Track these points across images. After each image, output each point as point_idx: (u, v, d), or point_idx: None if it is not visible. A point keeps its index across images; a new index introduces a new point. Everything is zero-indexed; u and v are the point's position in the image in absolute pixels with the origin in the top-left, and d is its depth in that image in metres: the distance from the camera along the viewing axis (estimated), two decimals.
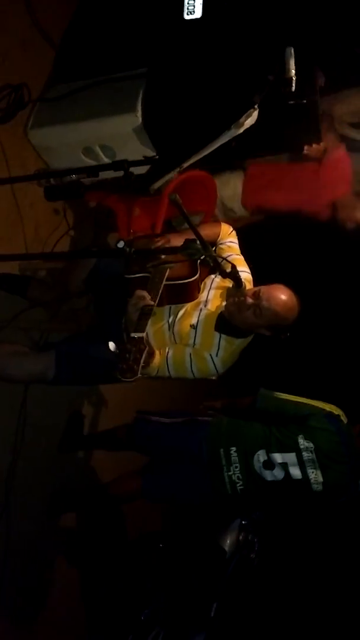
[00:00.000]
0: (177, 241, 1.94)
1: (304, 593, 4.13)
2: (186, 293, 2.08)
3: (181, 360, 2.00)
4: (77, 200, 2.96)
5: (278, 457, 2.28)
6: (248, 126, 1.92)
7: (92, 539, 3.30)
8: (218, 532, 3.09)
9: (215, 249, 2.17)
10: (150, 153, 2.70)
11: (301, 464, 2.25)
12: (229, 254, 2.16)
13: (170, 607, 3.00)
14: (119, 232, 2.62)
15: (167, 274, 1.98)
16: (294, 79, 1.87)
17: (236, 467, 2.32)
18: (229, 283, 2.07)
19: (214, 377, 2.07)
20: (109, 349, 1.56)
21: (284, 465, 2.27)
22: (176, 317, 2.09)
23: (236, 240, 2.25)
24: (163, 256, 1.94)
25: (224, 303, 2.06)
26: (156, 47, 2.69)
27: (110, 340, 1.57)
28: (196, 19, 2.47)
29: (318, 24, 2.47)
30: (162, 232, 2.43)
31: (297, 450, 2.26)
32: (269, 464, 2.28)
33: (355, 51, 2.55)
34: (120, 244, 1.66)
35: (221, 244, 2.22)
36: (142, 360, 1.55)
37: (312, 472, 2.24)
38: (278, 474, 2.27)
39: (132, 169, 2.15)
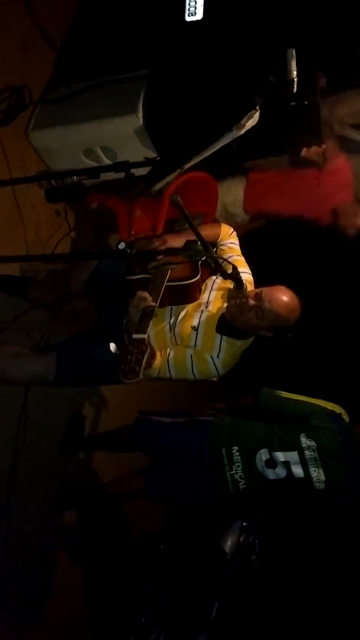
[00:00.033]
0: (176, 241, 1.94)
1: (305, 595, 4.12)
2: (187, 294, 2.08)
3: (182, 361, 2.00)
4: (78, 201, 2.96)
5: (280, 456, 2.28)
6: (249, 127, 1.92)
7: (93, 540, 3.30)
8: (219, 534, 3.10)
9: (216, 250, 2.17)
10: (152, 154, 2.70)
11: (303, 463, 2.25)
12: (230, 255, 2.16)
13: (171, 609, 3.00)
14: (120, 234, 2.61)
15: (168, 275, 1.98)
16: (295, 80, 1.87)
17: (238, 467, 2.33)
18: (230, 284, 2.07)
19: (215, 379, 2.07)
20: (110, 350, 1.56)
21: (286, 464, 2.28)
22: (177, 318, 2.09)
23: (237, 241, 2.25)
24: (162, 257, 1.94)
25: (225, 304, 2.06)
26: (157, 49, 2.69)
27: (111, 342, 1.57)
28: (197, 21, 2.47)
29: (319, 25, 2.47)
30: (163, 233, 2.43)
31: (299, 448, 2.26)
32: (271, 463, 2.29)
33: (356, 52, 2.55)
34: (122, 246, 1.66)
35: (222, 245, 2.21)
36: (144, 362, 1.55)
37: (315, 471, 2.25)
38: (280, 472, 2.28)
39: (133, 171, 2.15)
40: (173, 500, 2.80)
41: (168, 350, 2.03)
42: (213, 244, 2.16)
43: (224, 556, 3.04)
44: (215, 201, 2.76)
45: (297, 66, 1.85)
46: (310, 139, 2.56)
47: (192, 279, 2.02)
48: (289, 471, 2.27)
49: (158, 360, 1.94)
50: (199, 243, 1.60)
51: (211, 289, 2.16)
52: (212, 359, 1.99)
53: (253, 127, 1.92)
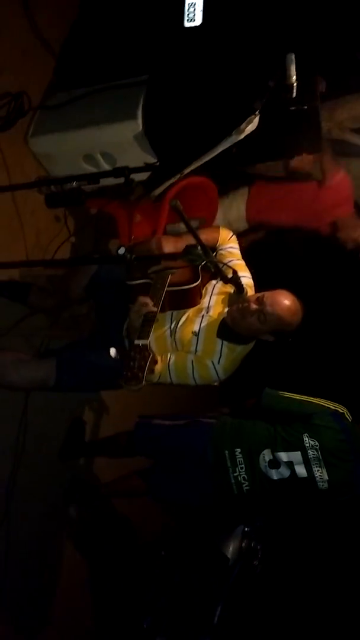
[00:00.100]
0: (174, 244, 1.94)
1: (307, 600, 4.10)
2: (188, 299, 2.08)
3: (183, 367, 2.00)
4: (78, 207, 2.96)
5: (283, 456, 2.27)
6: (249, 132, 1.92)
7: (96, 545, 3.29)
8: (221, 539, 3.08)
9: (215, 255, 2.17)
10: (151, 160, 2.70)
11: (307, 463, 2.24)
12: (230, 259, 2.16)
13: (173, 615, 2.99)
14: (120, 239, 2.61)
15: (168, 279, 1.97)
16: (294, 85, 1.87)
17: (242, 468, 2.32)
18: (230, 289, 2.07)
19: (215, 384, 2.06)
20: (110, 356, 1.56)
21: (290, 464, 2.27)
22: (178, 323, 2.09)
23: (237, 245, 2.25)
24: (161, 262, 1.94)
25: (226, 309, 2.06)
26: (157, 54, 2.70)
27: (111, 347, 1.57)
28: (196, 27, 2.48)
29: (318, 30, 2.48)
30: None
31: (303, 448, 2.25)
32: (275, 463, 2.28)
33: (355, 56, 2.55)
34: (121, 251, 1.66)
35: (222, 249, 2.21)
36: (146, 368, 1.54)
37: (318, 470, 2.24)
38: (284, 472, 2.27)
39: (132, 176, 2.15)
40: (174, 500, 2.80)
41: (168, 355, 2.02)
42: (213, 249, 2.16)
43: (226, 562, 3.02)
44: (215, 205, 2.76)
45: (296, 71, 1.86)
46: (310, 143, 2.56)
47: (192, 283, 2.02)
48: (293, 471, 2.26)
49: (159, 365, 1.94)
50: (199, 247, 1.59)
51: (212, 294, 2.16)
52: (213, 365, 1.99)
53: (252, 132, 1.92)
